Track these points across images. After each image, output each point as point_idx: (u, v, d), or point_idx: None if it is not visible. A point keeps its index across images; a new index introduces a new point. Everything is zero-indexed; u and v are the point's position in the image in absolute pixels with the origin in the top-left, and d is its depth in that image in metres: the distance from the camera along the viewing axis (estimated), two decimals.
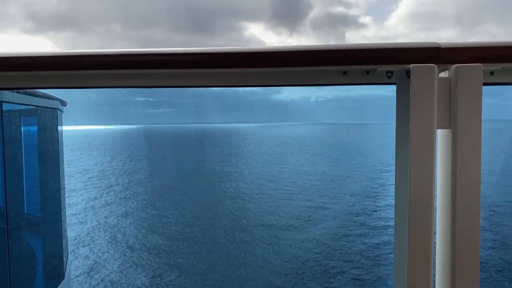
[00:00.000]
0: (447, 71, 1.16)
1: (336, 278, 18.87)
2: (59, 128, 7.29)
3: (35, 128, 6.93)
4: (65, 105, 7.42)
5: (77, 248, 23.20)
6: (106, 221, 28.90)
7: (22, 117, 6.28)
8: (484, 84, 1.11)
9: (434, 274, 1.15)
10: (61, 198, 7.79)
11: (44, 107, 6.45)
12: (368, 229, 26.00)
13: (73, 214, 30.00)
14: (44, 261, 7.14)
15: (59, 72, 1.24)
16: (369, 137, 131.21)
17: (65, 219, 8.18)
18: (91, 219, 29.53)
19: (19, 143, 6.14)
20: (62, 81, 1.30)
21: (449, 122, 1.13)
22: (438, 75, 1.11)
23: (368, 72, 1.22)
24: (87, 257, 21.88)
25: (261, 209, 32.09)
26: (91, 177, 50.03)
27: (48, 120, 6.99)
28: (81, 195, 38.27)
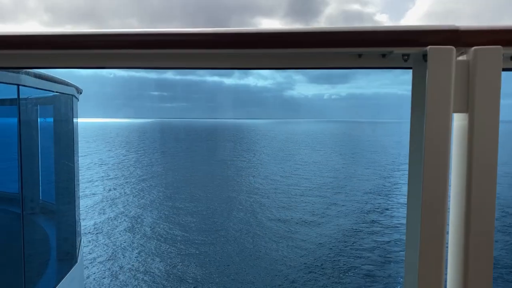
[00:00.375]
0: (465, 55, 1.12)
1: (347, 274, 18.88)
2: (75, 115, 7.39)
3: (51, 114, 7.03)
4: (81, 93, 7.51)
5: (96, 236, 23.69)
6: (123, 212, 29.38)
7: (39, 105, 6.36)
8: (504, 69, 1.08)
9: (446, 273, 1.13)
10: (75, 186, 7.91)
11: (60, 93, 6.54)
12: (380, 227, 25.93)
13: (91, 205, 30.56)
14: (57, 246, 7.28)
15: (72, 51, 1.24)
16: (383, 135, 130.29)
17: (79, 206, 8.31)
18: (109, 209, 30.01)
19: (35, 130, 6.23)
20: (75, 61, 1.30)
21: (466, 106, 1.09)
22: (456, 58, 1.08)
23: (384, 55, 1.19)
24: (106, 245, 22.38)
25: (275, 204, 32.20)
26: (108, 169, 50.77)
27: (64, 106, 7.09)
28: (95, 186, 38.84)
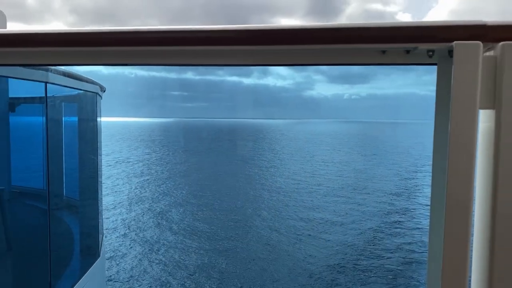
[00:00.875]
0: (492, 50, 1.09)
1: (369, 274, 18.84)
2: (98, 113, 7.52)
3: (76, 112, 7.18)
4: (104, 91, 7.63)
5: (123, 232, 24.19)
6: (149, 209, 29.95)
7: (64, 103, 6.49)
8: None
9: (470, 276, 1.10)
10: (98, 183, 8.07)
11: (85, 90, 6.66)
12: (402, 228, 25.75)
13: (118, 202, 31.21)
14: (81, 241, 7.45)
15: (96, 48, 1.26)
16: (404, 136, 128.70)
17: (102, 203, 8.47)
18: (135, 206, 30.62)
19: (61, 127, 6.35)
20: (98, 58, 1.33)
21: (493, 102, 1.06)
22: (483, 54, 1.06)
23: (408, 51, 1.17)
24: (134, 241, 22.89)
25: (296, 204, 32.32)
26: (133, 167, 51.71)
27: (89, 104, 7.23)
28: (121, 184, 39.50)
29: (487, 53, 1.10)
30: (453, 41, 1.06)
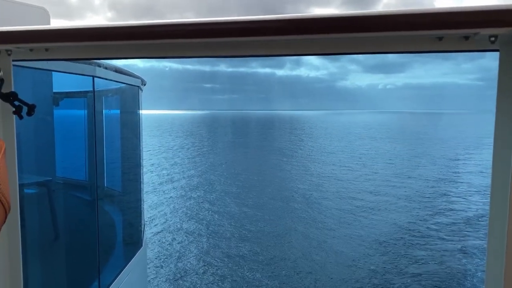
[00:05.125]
0: None
1: (418, 252, 19.43)
2: (140, 105, 7.70)
3: (119, 104, 7.35)
4: (145, 84, 7.77)
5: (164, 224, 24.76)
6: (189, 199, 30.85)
7: (108, 96, 6.66)
8: None
9: None
10: (140, 174, 8.30)
11: (128, 84, 6.81)
12: (445, 210, 25.92)
13: (163, 195, 32.02)
14: (124, 230, 7.69)
15: (139, 41, 1.28)
16: (444, 126, 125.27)
17: (143, 194, 8.69)
18: (180, 199, 31.40)
19: (105, 120, 6.51)
20: (139, 51, 1.36)
21: None
22: None
23: (467, 38, 1.12)
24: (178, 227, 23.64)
25: (343, 189, 33.35)
26: (180, 158, 53.20)
27: (131, 97, 7.41)
28: (167, 175, 40.44)
29: None
30: None
